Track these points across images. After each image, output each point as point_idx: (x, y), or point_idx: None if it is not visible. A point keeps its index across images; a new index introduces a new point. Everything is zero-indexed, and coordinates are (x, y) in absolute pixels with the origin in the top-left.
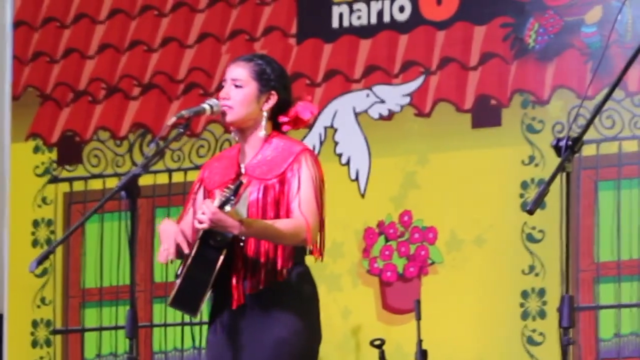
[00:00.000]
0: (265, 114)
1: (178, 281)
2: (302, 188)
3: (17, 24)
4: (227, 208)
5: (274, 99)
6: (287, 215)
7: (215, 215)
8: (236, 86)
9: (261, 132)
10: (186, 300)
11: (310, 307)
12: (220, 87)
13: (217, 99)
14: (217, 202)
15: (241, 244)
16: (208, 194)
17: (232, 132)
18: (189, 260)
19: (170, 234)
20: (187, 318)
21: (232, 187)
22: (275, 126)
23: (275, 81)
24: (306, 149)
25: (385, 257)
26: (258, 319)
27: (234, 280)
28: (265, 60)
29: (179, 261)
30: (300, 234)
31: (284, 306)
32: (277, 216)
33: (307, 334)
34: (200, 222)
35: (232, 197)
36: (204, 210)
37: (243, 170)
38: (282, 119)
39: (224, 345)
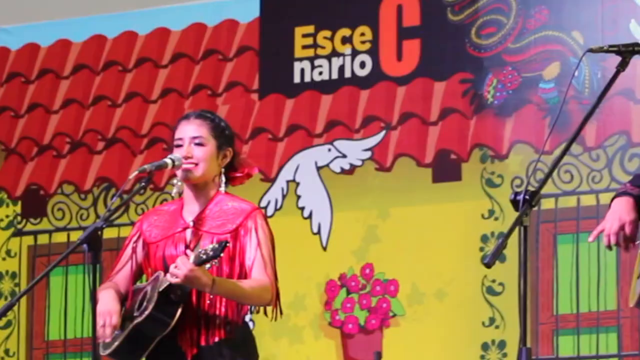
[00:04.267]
0: (222, 170)
1: (123, 332)
2: (261, 249)
3: None
4: (207, 266)
5: (230, 155)
6: (242, 273)
7: (192, 272)
8: (197, 144)
9: (220, 188)
10: (128, 352)
11: None
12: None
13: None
14: (193, 259)
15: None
16: (147, 247)
17: (175, 185)
18: (145, 312)
19: (112, 313)
20: None
21: (215, 246)
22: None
23: (230, 138)
24: (257, 207)
25: (347, 310)
26: None
27: (186, 333)
28: (217, 117)
29: None
30: (266, 295)
31: None
32: (231, 272)
33: None
34: (174, 276)
35: (213, 257)
36: (178, 265)
37: (191, 224)
38: (236, 174)
39: None
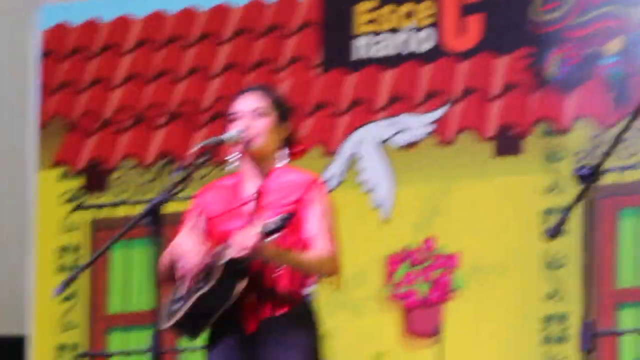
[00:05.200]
0: (282, 143)
1: (185, 304)
2: (323, 220)
3: (45, 54)
4: (273, 237)
5: (289, 129)
6: (304, 244)
7: (257, 245)
8: (257, 116)
9: (279, 162)
10: (190, 325)
11: (318, 336)
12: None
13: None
14: (259, 230)
15: (260, 270)
16: (208, 221)
17: (231, 162)
18: (208, 284)
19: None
20: None
21: (279, 218)
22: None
23: (289, 112)
24: (318, 178)
25: (408, 283)
26: (271, 345)
27: (248, 306)
28: (276, 90)
29: None
30: (328, 266)
31: (296, 334)
32: (295, 243)
33: None
34: (238, 249)
35: (280, 228)
36: (242, 238)
37: (252, 197)
38: (294, 149)
39: None
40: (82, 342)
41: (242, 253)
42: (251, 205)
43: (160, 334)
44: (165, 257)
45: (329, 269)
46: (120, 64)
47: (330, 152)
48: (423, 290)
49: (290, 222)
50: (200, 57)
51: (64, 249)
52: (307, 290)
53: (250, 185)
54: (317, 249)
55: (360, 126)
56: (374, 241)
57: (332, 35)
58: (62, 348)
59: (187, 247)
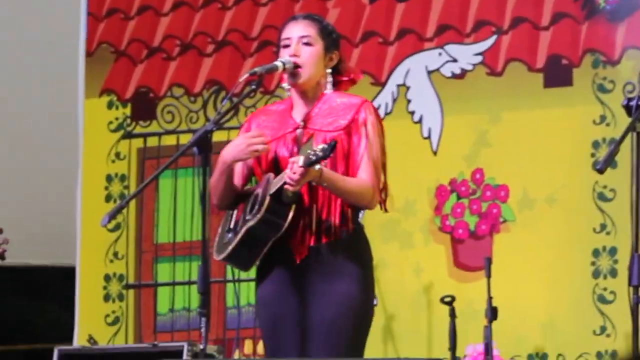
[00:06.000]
0: (329, 71)
1: (236, 236)
2: (369, 148)
3: None
4: (317, 167)
5: (336, 58)
6: (356, 169)
7: (302, 176)
8: (305, 44)
9: (326, 90)
10: (242, 256)
11: (369, 265)
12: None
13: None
14: (303, 161)
15: (308, 199)
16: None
17: (285, 89)
18: (257, 215)
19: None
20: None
21: (325, 146)
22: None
23: (337, 41)
24: (366, 100)
25: (457, 215)
26: (321, 273)
27: (297, 235)
28: (324, 19)
29: None
30: (365, 197)
31: (347, 262)
32: (346, 169)
33: (368, 291)
34: (292, 182)
35: (325, 157)
36: (294, 169)
37: (302, 123)
38: (342, 78)
39: (287, 301)
40: (129, 272)
41: (288, 186)
42: (299, 132)
43: (208, 265)
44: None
45: (365, 200)
46: None
47: (379, 82)
48: (472, 222)
49: (333, 150)
50: None
51: (112, 178)
52: (357, 219)
53: (299, 111)
54: (359, 178)
55: (409, 56)
56: (423, 172)
57: None
58: (109, 278)
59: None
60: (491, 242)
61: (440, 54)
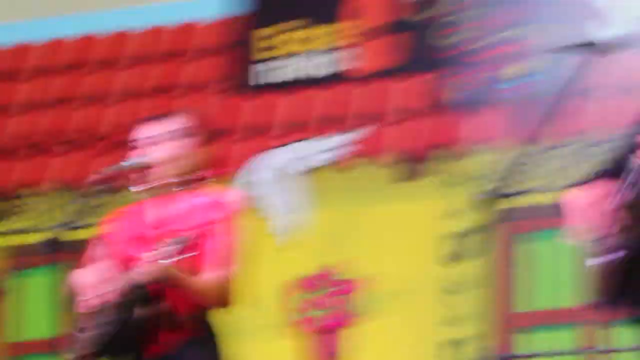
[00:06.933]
0: (185, 169)
1: (88, 333)
2: (221, 244)
3: None
4: (170, 261)
5: (200, 154)
6: (205, 267)
7: (159, 268)
8: (155, 144)
9: (182, 188)
10: (93, 353)
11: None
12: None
13: (141, 154)
14: (158, 255)
15: (160, 295)
16: (114, 249)
17: (134, 190)
18: (110, 312)
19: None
20: None
21: (175, 240)
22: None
23: (190, 139)
24: (220, 197)
25: (305, 310)
26: None
27: (149, 332)
28: (176, 117)
29: None
30: (215, 295)
31: (199, 358)
32: (193, 268)
33: None
34: (141, 275)
35: (174, 253)
36: (146, 262)
37: (154, 223)
38: (196, 176)
39: None
40: None
41: (140, 279)
42: (152, 232)
43: None
44: (67, 288)
45: (216, 298)
46: (18, 91)
47: (226, 179)
48: (319, 316)
49: (185, 246)
50: (98, 84)
51: None
52: (208, 315)
53: (153, 211)
54: (208, 276)
55: (258, 153)
56: (273, 267)
57: (229, 63)
58: None
59: (87, 280)
60: (339, 336)
61: (289, 151)
